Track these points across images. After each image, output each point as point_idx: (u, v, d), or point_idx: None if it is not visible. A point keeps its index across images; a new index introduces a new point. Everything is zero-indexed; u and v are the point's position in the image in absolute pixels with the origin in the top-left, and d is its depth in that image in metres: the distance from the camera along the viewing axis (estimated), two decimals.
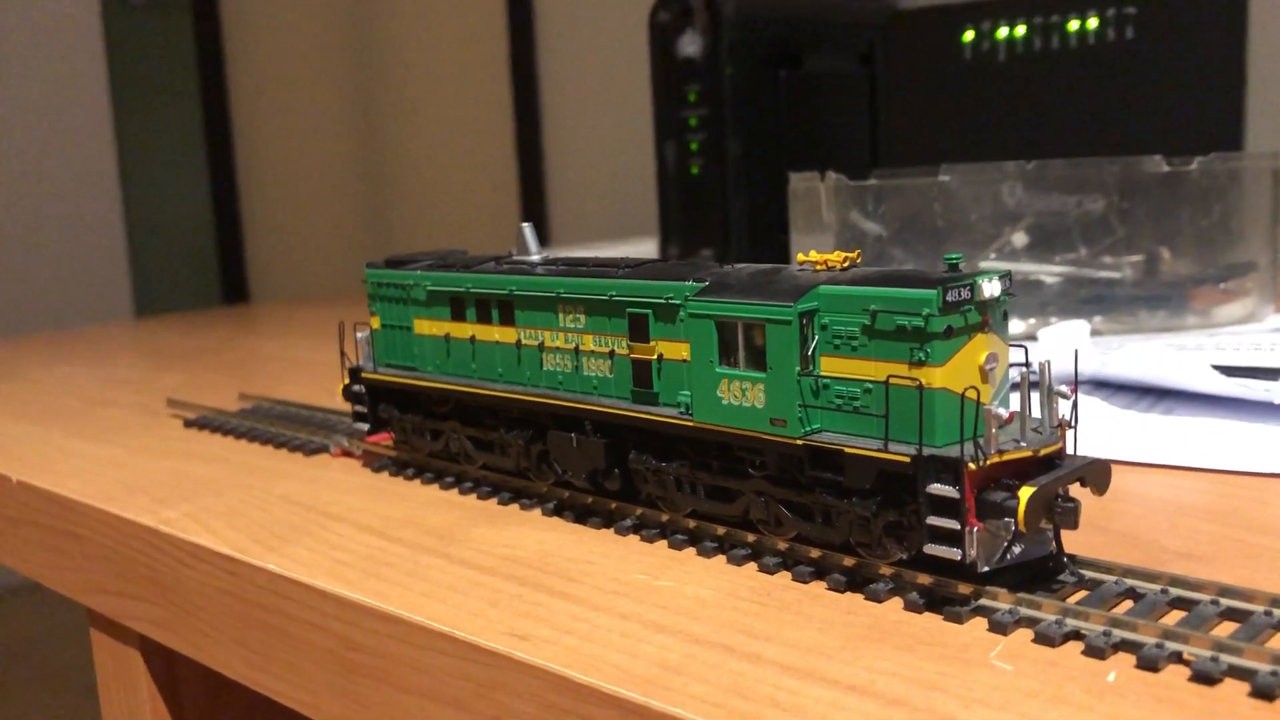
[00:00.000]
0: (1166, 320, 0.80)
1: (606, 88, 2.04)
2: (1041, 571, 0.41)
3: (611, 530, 0.51)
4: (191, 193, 2.88)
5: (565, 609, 0.43)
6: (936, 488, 0.39)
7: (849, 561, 0.43)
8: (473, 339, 0.58)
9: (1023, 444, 0.40)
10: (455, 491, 0.59)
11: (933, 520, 0.39)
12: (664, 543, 0.49)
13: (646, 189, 1.15)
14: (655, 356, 0.49)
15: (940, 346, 0.39)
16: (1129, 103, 1.02)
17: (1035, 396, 0.41)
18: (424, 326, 0.61)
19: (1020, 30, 1.04)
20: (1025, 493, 0.38)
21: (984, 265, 0.79)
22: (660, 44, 1.06)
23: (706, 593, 0.43)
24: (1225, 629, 0.36)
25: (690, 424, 0.47)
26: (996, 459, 0.39)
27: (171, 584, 0.58)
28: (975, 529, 0.38)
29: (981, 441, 0.39)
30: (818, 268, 0.45)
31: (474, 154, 2.42)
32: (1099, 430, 0.60)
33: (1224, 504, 0.50)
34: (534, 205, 2.23)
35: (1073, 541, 0.43)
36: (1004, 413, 0.39)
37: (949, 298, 0.39)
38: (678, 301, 0.47)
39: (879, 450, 0.40)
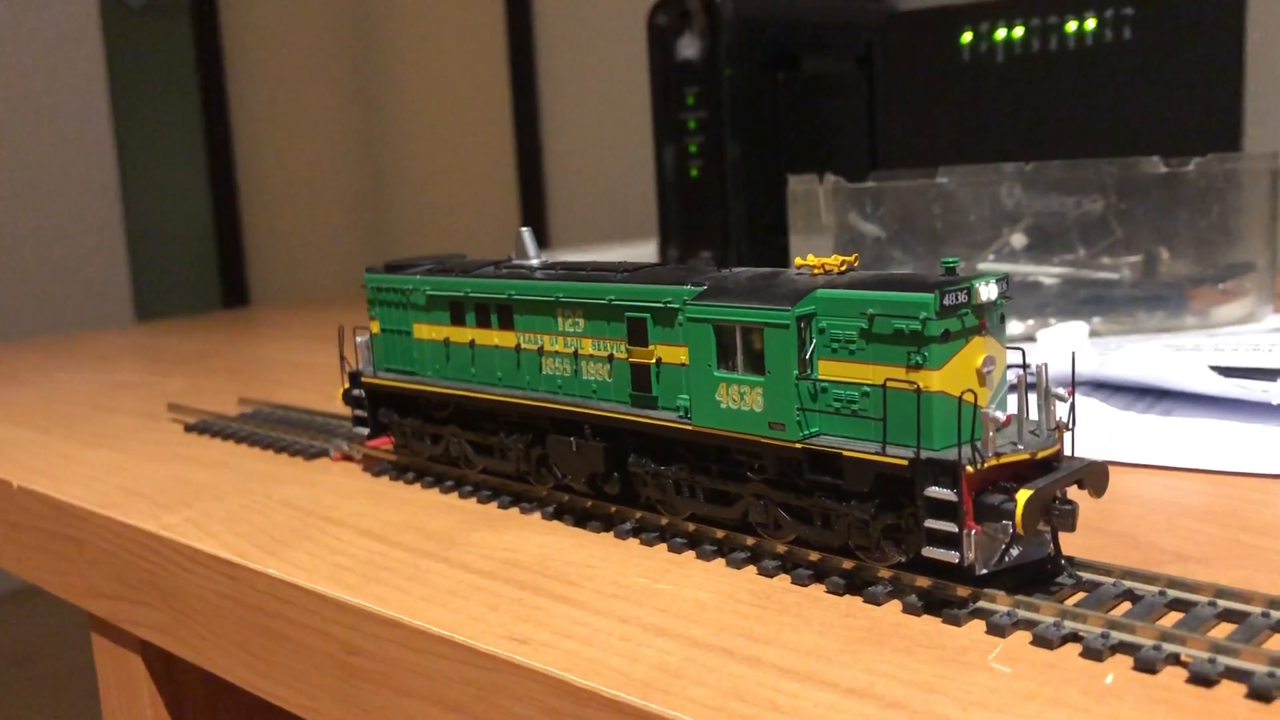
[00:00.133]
0: (1165, 321, 0.80)
1: (605, 91, 2.04)
2: (1039, 574, 0.41)
3: (611, 534, 0.51)
4: (191, 196, 2.88)
5: (565, 613, 0.43)
6: (934, 491, 0.39)
7: (848, 564, 0.43)
8: (472, 343, 0.58)
9: (1020, 446, 0.40)
10: (455, 495, 0.59)
11: (931, 523, 0.39)
12: (663, 546, 0.49)
13: (645, 191, 1.16)
14: (654, 360, 0.49)
15: (937, 350, 0.40)
16: (1127, 104, 1.02)
17: (1033, 399, 0.42)
18: (423, 331, 0.61)
19: (1018, 32, 1.04)
20: (1023, 495, 0.38)
21: (982, 267, 0.79)
22: (659, 46, 1.06)
23: (706, 596, 0.43)
24: (1223, 630, 0.36)
25: (689, 428, 0.47)
26: (994, 462, 0.39)
27: (172, 588, 0.58)
28: (973, 532, 0.38)
29: (979, 444, 0.39)
30: (815, 272, 0.45)
31: (473, 158, 2.42)
32: (1097, 431, 0.60)
33: (1222, 505, 0.51)
34: (533, 208, 2.23)
35: (1071, 543, 0.43)
36: (1001, 415, 0.39)
37: (946, 301, 0.39)
38: (676, 305, 0.47)
39: (877, 453, 0.40)
